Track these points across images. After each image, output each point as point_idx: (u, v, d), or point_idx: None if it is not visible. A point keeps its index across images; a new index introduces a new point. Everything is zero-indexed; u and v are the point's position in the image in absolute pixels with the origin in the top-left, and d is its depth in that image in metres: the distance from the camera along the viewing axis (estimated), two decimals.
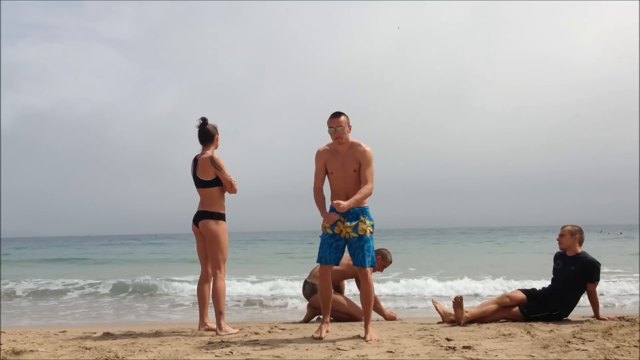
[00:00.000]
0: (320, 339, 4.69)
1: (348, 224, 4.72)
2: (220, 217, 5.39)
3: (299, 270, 13.71)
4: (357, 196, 4.64)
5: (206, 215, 5.34)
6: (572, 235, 5.94)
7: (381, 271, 6.68)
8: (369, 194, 4.74)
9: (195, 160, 5.41)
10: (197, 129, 5.44)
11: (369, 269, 4.78)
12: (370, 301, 4.84)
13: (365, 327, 4.77)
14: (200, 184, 5.37)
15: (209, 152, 5.39)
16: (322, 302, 4.94)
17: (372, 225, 4.80)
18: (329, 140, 4.87)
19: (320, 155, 4.89)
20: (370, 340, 4.60)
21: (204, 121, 5.46)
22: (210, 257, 5.36)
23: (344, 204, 4.52)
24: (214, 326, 5.32)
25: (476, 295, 9.93)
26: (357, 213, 4.74)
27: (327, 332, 4.83)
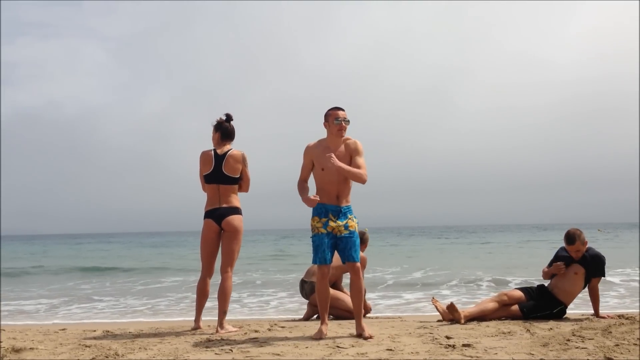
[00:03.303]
0: (320, 339, 4.66)
1: (339, 222, 4.76)
2: (241, 213, 5.38)
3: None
4: (353, 170, 4.67)
5: (235, 211, 5.30)
6: (584, 243, 5.78)
7: (362, 251, 6.62)
8: (361, 178, 4.71)
9: (220, 156, 5.31)
10: (220, 124, 5.38)
11: (359, 264, 4.81)
12: (362, 296, 4.86)
13: (359, 323, 4.75)
14: (225, 180, 5.29)
15: (234, 149, 5.36)
16: (321, 303, 4.91)
17: (357, 223, 4.88)
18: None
19: (310, 150, 4.87)
20: (369, 337, 4.58)
21: (229, 117, 5.43)
22: (229, 253, 5.29)
23: (338, 163, 4.56)
24: (209, 330, 5.28)
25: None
26: (345, 212, 4.81)
27: (326, 333, 4.79)
